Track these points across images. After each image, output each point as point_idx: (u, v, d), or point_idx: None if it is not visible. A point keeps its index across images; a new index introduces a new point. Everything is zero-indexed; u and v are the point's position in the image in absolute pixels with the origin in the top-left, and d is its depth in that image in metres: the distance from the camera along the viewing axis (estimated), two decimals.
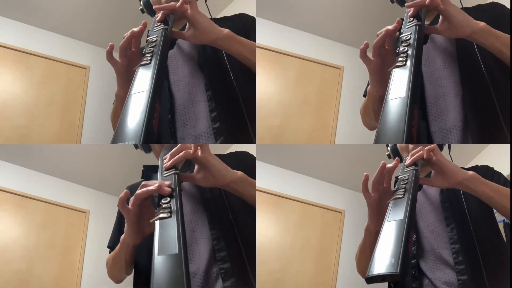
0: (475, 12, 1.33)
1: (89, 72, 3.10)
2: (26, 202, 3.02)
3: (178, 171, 1.12)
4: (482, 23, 1.17)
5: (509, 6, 1.36)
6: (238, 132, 1.34)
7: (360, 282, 1.42)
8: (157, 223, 0.99)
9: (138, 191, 1.07)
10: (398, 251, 0.91)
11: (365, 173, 1.12)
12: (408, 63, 1.06)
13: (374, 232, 1.18)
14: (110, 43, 1.19)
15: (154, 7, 1.22)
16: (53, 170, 3.06)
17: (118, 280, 1.35)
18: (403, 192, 1.06)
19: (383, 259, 0.91)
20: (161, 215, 1.00)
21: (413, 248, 1.30)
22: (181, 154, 1.12)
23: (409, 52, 1.08)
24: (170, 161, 1.12)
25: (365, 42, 1.14)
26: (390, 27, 1.13)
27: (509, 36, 1.20)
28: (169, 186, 1.06)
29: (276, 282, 3.03)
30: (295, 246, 3.11)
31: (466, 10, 1.32)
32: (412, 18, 1.15)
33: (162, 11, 1.19)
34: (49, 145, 2.93)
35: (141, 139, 0.97)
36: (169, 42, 1.19)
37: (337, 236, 3.17)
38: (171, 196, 1.05)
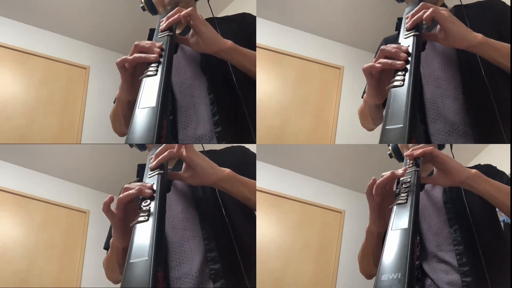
0: (475, 9, 1.32)
1: (89, 72, 3.09)
2: (26, 202, 3.02)
3: (162, 171, 1.11)
4: (480, 36, 1.15)
5: (508, 3, 1.35)
6: (240, 136, 1.34)
7: (360, 282, 1.42)
8: (136, 226, 0.99)
9: (120, 196, 1.07)
10: (404, 265, 0.91)
11: (373, 177, 1.12)
12: (406, 83, 1.04)
13: (376, 234, 1.18)
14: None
15: (161, 20, 1.21)
16: (53, 170, 3.06)
17: (116, 281, 1.34)
18: (405, 197, 1.06)
19: (390, 274, 0.91)
20: (139, 219, 1.00)
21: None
22: (165, 154, 1.12)
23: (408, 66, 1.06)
24: (155, 162, 1.12)
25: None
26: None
27: (508, 46, 1.19)
28: (150, 188, 1.06)
29: (276, 281, 3.03)
30: (295, 246, 3.11)
31: (465, 7, 1.32)
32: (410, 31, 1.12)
33: (167, 22, 1.19)
34: (49, 145, 2.93)
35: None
36: (173, 51, 1.19)
37: (337, 236, 3.17)
38: (151, 198, 1.04)
